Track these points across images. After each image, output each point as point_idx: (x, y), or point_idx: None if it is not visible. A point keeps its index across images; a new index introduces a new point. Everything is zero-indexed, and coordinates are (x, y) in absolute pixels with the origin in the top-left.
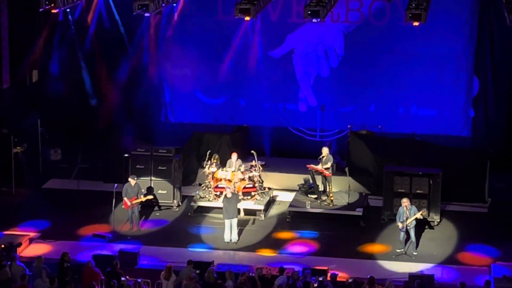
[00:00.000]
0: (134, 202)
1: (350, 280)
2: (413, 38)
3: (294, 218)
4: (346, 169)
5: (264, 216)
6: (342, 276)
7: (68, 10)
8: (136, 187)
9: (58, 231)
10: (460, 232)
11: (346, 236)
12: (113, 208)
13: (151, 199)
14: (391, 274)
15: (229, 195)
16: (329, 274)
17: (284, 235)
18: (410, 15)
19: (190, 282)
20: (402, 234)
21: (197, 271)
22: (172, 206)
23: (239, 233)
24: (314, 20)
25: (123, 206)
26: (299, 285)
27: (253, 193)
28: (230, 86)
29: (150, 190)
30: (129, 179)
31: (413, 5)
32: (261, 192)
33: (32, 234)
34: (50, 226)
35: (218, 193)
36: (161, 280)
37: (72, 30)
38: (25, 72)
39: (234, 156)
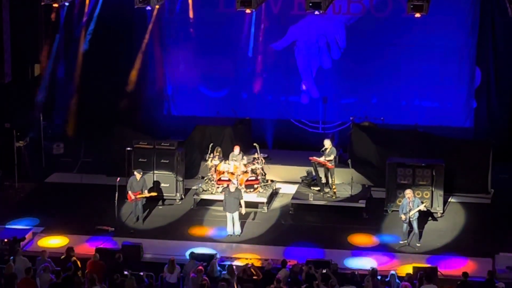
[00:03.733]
0: (138, 196)
1: (356, 273)
2: (414, 29)
3: (297, 211)
4: (349, 161)
5: (267, 208)
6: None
7: (66, 4)
8: (142, 182)
9: (61, 225)
10: (463, 223)
11: (349, 228)
12: (116, 202)
13: (156, 195)
14: (394, 266)
15: (232, 189)
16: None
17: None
18: (411, 6)
19: (198, 275)
20: (405, 225)
21: (204, 263)
22: (175, 199)
23: (242, 226)
24: (315, 12)
25: (126, 200)
26: (301, 278)
27: (255, 186)
28: (232, 79)
29: (154, 185)
30: (135, 173)
31: None
32: (264, 185)
33: (35, 228)
34: (53, 220)
35: (221, 186)
36: (164, 273)
37: (71, 24)
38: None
39: (237, 149)
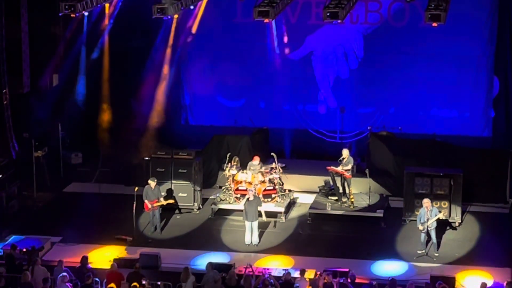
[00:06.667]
0: (155, 205)
1: (374, 283)
2: (432, 39)
3: (315, 220)
4: (367, 171)
5: (285, 218)
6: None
7: (86, 14)
8: (156, 190)
9: (79, 235)
10: (481, 233)
11: (367, 237)
12: (134, 211)
13: (172, 202)
14: (412, 276)
15: (251, 198)
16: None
17: None
18: (429, 16)
19: (215, 284)
20: (423, 235)
21: (223, 274)
22: (193, 209)
23: (260, 235)
24: (333, 22)
25: (144, 209)
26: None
27: (273, 195)
28: (249, 88)
29: (170, 193)
30: (149, 182)
31: (432, 5)
32: (282, 194)
33: (54, 238)
34: (70, 230)
35: (238, 195)
36: (182, 283)
37: (89, 33)
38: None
39: (257, 159)
